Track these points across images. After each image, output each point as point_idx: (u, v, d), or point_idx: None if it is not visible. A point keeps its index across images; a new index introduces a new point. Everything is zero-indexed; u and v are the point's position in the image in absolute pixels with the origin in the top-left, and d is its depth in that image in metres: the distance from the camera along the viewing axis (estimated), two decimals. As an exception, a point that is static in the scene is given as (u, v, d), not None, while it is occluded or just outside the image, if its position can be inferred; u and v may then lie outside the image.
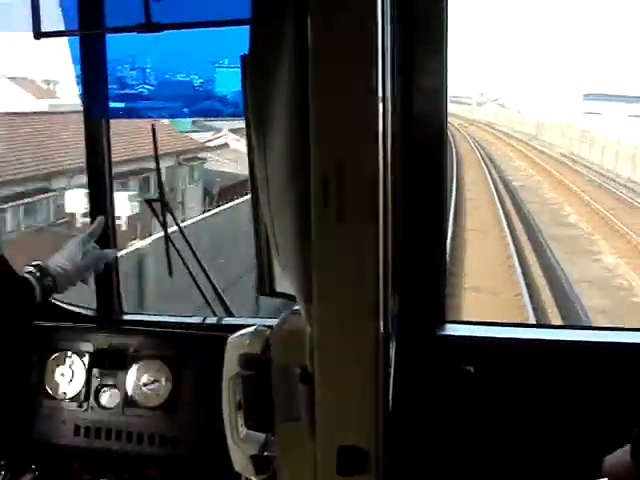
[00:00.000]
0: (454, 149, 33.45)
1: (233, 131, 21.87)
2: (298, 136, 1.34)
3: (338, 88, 1.31)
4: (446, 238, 2.92)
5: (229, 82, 3.06)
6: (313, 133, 1.31)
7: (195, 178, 20.27)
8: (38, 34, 2.66)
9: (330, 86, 1.31)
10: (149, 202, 3.15)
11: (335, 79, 1.31)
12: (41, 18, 2.69)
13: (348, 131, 1.32)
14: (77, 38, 2.92)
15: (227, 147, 22.41)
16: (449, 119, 2.93)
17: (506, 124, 49.64)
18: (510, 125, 49.08)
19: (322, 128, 1.31)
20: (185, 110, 3.38)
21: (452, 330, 2.91)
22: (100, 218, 2.92)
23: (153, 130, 3.16)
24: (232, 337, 1.82)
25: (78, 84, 3.03)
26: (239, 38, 2.71)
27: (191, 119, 16.95)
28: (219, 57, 3.03)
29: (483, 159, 34.03)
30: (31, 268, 2.64)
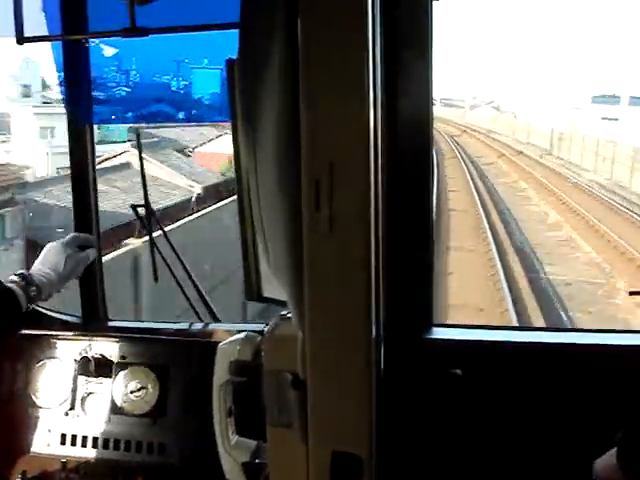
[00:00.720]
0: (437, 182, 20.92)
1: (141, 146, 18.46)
2: (288, 140, 1.33)
3: (328, 90, 1.31)
4: (433, 241, 2.91)
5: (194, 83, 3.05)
6: (304, 137, 1.30)
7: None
8: (21, 39, 2.63)
9: (320, 89, 1.31)
10: (135, 208, 3.13)
11: (325, 81, 1.31)
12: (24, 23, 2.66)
13: (339, 134, 1.32)
14: (60, 43, 2.91)
15: (128, 168, 15.08)
16: (437, 124, 2.94)
17: (506, 132, 40.90)
18: (513, 135, 40.02)
19: (313, 131, 1.31)
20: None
21: (439, 333, 2.91)
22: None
23: (137, 135, 3.15)
24: (222, 344, 1.82)
25: (61, 89, 3.02)
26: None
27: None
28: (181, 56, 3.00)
29: (488, 218, 18.67)
30: (15, 277, 2.62)
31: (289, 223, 1.37)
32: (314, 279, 1.35)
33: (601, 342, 2.87)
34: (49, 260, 2.74)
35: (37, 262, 2.74)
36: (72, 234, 2.87)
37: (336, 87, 1.30)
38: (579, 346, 2.82)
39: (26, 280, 2.62)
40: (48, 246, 2.81)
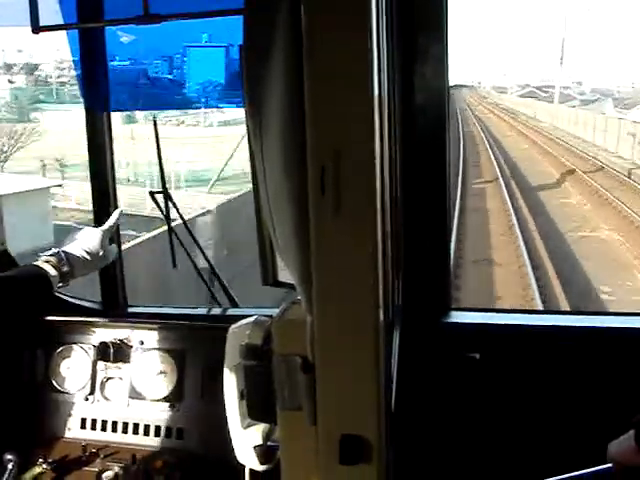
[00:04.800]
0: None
1: None
2: (294, 125, 1.33)
3: (334, 76, 1.31)
4: (450, 225, 2.91)
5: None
6: (309, 122, 1.30)
7: None
8: (37, 28, 2.65)
9: (326, 74, 1.30)
10: (153, 194, 3.15)
11: (331, 67, 1.30)
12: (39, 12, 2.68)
13: (345, 119, 1.31)
14: (76, 32, 2.92)
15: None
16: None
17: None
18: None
19: (318, 117, 1.31)
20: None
21: (457, 317, 2.91)
22: (117, 211, 2.94)
23: (154, 122, 3.16)
24: (233, 327, 1.83)
25: (78, 78, 3.03)
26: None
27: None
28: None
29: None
30: (50, 257, 2.64)
31: (296, 208, 1.37)
32: (321, 264, 1.36)
33: (620, 325, 2.85)
34: (87, 243, 2.76)
35: (74, 243, 2.75)
36: (108, 224, 2.89)
37: (340, 72, 1.30)
38: (597, 329, 2.80)
39: (60, 258, 2.64)
40: (86, 230, 2.83)
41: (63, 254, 2.67)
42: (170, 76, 3.14)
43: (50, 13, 2.75)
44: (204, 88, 3.13)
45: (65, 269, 2.64)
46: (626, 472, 1.91)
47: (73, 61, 2.97)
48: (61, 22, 2.87)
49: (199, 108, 3.36)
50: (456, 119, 40.75)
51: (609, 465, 1.96)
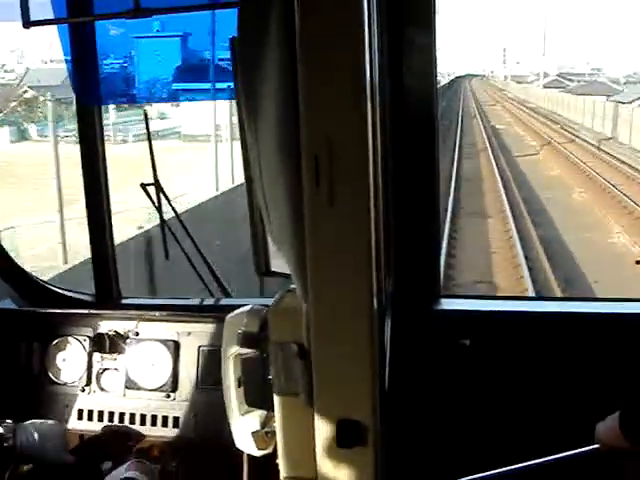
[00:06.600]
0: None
1: None
2: (288, 116, 1.36)
3: (326, 66, 1.33)
4: (439, 214, 2.94)
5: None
6: (302, 112, 1.33)
7: None
8: (27, 23, 2.66)
9: (318, 64, 1.33)
10: (144, 186, 3.17)
11: (322, 57, 1.32)
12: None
13: (337, 108, 1.34)
14: (66, 26, 2.94)
15: None
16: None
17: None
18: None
19: (311, 107, 1.33)
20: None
21: (447, 304, 2.95)
22: None
23: (145, 114, 3.18)
24: (229, 316, 1.86)
25: (69, 72, 3.05)
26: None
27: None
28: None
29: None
30: None
31: (290, 197, 1.39)
32: (316, 252, 1.38)
33: (608, 311, 2.90)
34: None
35: None
36: None
37: (333, 62, 1.32)
38: (586, 315, 2.85)
39: None
40: None
41: None
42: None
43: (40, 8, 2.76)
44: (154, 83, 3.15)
45: None
46: (611, 453, 1.97)
47: (65, 57, 2.98)
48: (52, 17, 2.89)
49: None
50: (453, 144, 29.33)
51: (596, 446, 2.01)
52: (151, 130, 3.23)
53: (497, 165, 25.27)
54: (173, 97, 3.30)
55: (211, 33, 2.89)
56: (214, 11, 2.74)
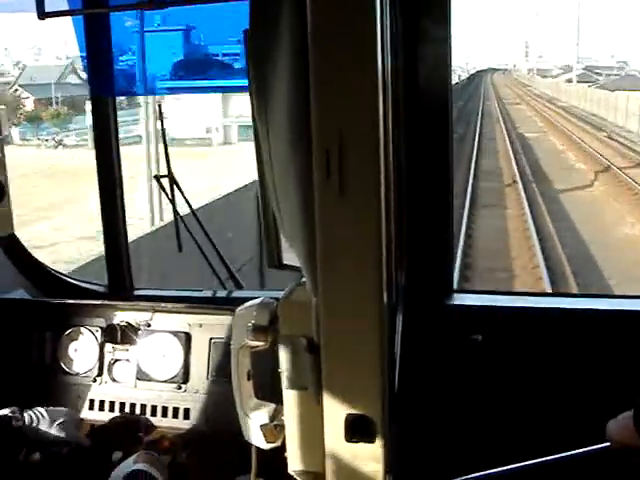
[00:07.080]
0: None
1: None
2: (299, 108, 1.35)
3: (338, 59, 1.32)
4: (452, 208, 2.93)
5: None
6: (313, 105, 1.32)
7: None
8: (42, 14, 2.66)
9: (330, 57, 1.32)
10: (158, 178, 3.17)
11: (335, 50, 1.32)
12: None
13: (349, 102, 1.33)
14: (81, 17, 2.94)
15: None
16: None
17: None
18: None
19: (323, 99, 1.33)
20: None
21: (460, 299, 2.94)
22: None
23: (159, 107, 3.18)
24: (239, 309, 1.85)
25: (83, 63, 3.06)
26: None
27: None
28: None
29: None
30: None
31: (301, 190, 1.39)
32: (326, 245, 1.38)
33: (621, 308, 2.88)
34: None
35: None
36: None
37: (344, 55, 1.31)
38: (599, 311, 2.83)
39: None
40: None
41: None
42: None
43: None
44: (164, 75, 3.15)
45: None
46: (623, 451, 1.95)
47: (79, 49, 2.98)
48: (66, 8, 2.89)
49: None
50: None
51: (607, 444, 2.00)
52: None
53: (535, 226, 15.61)
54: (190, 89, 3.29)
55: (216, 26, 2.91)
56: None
